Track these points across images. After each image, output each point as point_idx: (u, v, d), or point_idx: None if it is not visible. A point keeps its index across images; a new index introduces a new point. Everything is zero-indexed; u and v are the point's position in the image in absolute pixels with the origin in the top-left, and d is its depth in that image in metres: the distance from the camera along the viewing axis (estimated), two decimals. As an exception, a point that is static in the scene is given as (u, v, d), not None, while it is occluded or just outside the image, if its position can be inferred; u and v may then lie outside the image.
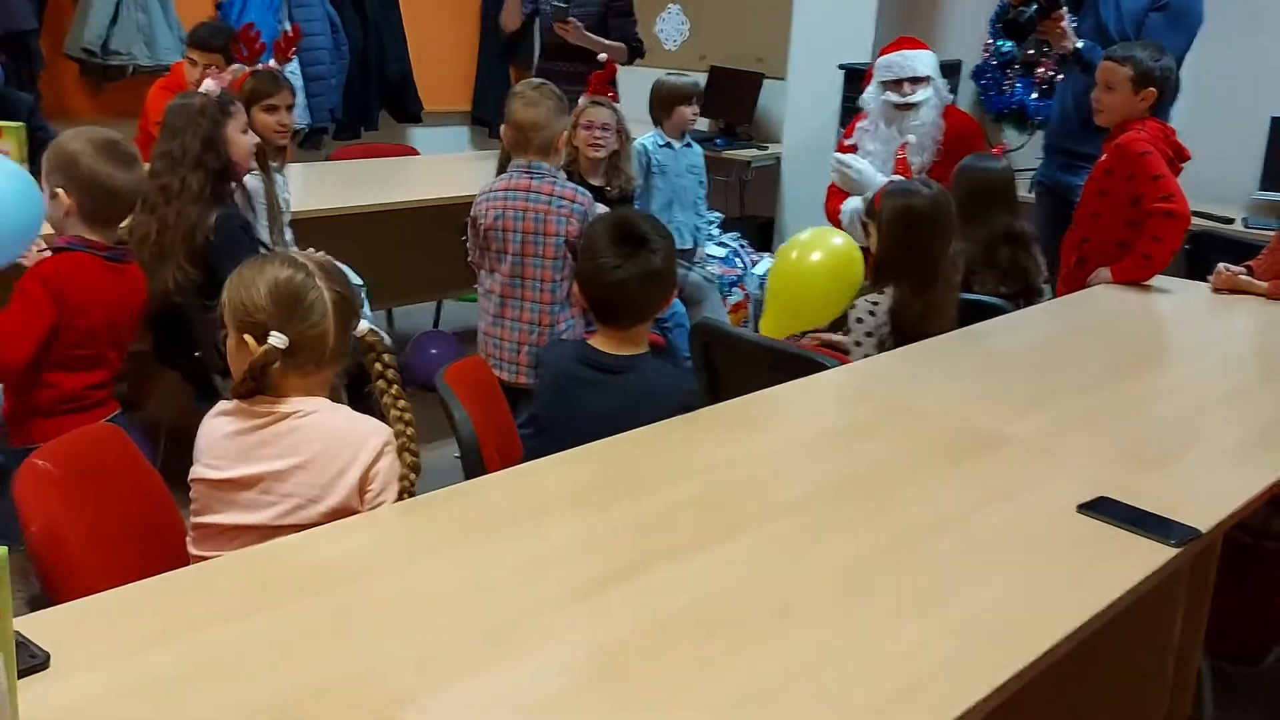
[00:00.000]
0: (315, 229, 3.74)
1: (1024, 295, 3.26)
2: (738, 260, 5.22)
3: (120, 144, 2.46)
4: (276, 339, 1.71)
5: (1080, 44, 3.74)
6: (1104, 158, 3.29)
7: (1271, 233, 3.46)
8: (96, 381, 2.57)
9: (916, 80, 4.15)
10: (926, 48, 4.32)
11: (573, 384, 2.24)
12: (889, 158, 4.20)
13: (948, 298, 2.72)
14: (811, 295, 3.37)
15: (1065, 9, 3.76)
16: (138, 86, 4.80)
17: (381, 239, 4.08)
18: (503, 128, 3.21)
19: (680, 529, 1.67)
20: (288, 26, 5.70)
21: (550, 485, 1.82)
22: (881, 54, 4.35)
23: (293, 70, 5.68)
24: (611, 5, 4.68)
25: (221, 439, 1.77)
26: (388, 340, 1.85)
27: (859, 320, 2.76)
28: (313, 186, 4.36)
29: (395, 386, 1.79)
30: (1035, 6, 3.74)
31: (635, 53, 4.71)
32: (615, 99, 3.94)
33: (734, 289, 5.11)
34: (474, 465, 2.03)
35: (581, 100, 3.85)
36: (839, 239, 3.52)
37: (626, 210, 2.32)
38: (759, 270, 5.10)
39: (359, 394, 3.27)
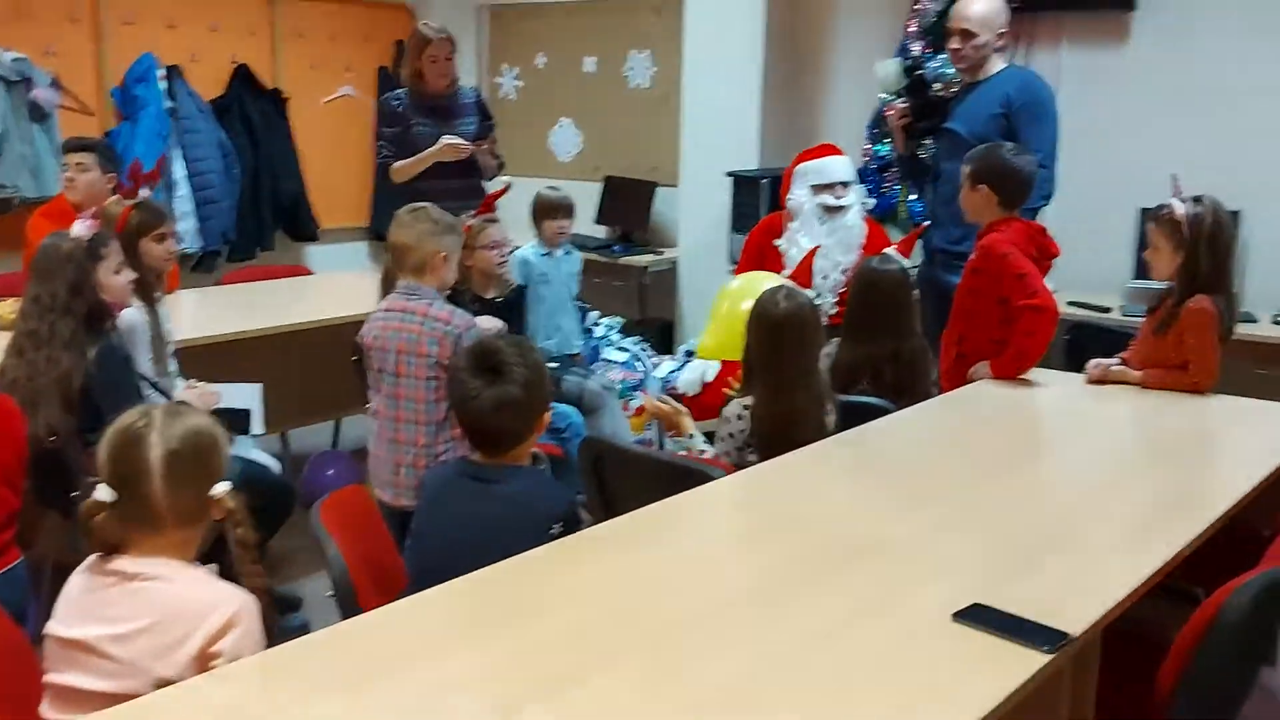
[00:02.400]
0: (206, 356, 3.69)
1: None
2: (639, 365, 5.25)
3: None
4: (102, 492, 1.67)
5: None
6: (973, 257, 3.40)
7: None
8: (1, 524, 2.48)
9: (845, 184, 4.43)
10: (844, 154, 4.58)
11: (447, 491, 2.27)
12: (822, 255, 4.36)
13: (808, 407, 2.74)
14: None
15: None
16: (25, 218, 4.71)
17: (274, 361, 4.04)
18: None
19: (562, 658, 1.64)
20: (178, 152, 5.71)
21: (428, 622, 1.78)
22: (805, 159, 4.57)
23: (183, 195, 5.68)
24: (482, 125, 4.80)
25: (74, 594, 1.71)
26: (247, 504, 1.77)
27: (726, 420, 2.80)
28: (203, 312, 4.32)
29: (253, 552, 1.74)
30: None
31: (501, 168, 4.86)
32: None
33: (636, 393, 5.12)
34: (348, 601, 1.98)
35: (475, 221, 3.90)
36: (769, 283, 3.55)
37: (494, 338, 2.36)
38: (660, 373, 5.15)
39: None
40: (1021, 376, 3.35)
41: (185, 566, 1.73)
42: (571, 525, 2.18)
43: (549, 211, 4.55)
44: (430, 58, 4.58)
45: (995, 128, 3.90)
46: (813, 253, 4.15)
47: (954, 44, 4.06)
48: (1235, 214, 4.10)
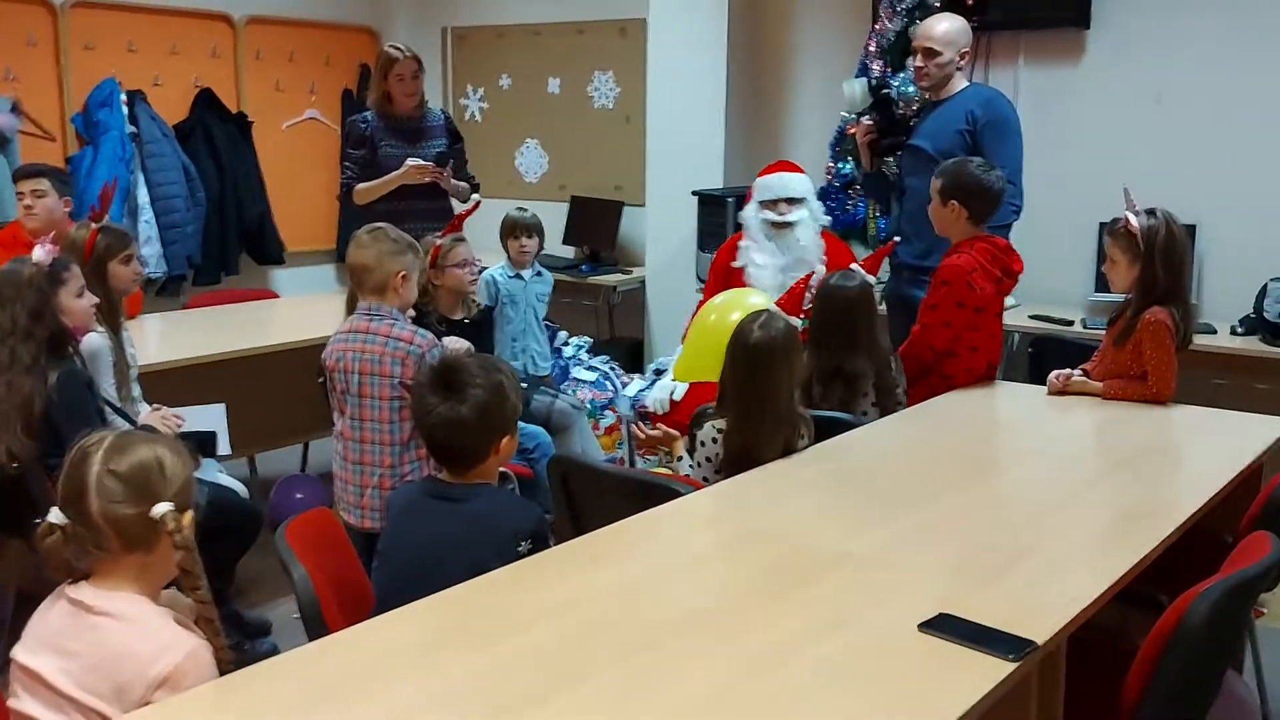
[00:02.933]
0: (172, 380, 3.67)
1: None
2: (608, 384, 5.26)
3: None
4: (54, 514, 1.65)
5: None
6: (937, 273, 3.45)
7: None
8: None
9: (792, 201, 4.42)
10: (802, 171, 4.58)
11: (413, 511, 2.26)
12: (779, 270, 4.38)
13: (775, 435, 2.70)
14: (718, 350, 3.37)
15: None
16: (-19, 243, 4.68)
17: (241, 384, 4.02)
18: None
19: (529, 677, 1.64)
20: (141, 177, 5.68)
21: (394, 641, 1.77)
22: (760, 175, 4.60)
23: (147, 220, 5.65)
24: (452, 148, 4.82)
25: (40, 620, 1.69)
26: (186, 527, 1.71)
27: (702, 444, 2.79)
28: (169, 337, 4.30)
29: (195, 579, 1.70)
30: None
31: (475, 189, 4.88)
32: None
33: (606, 412, 5.13)
34: (315, 623, 1.97)
35: (444, 241, 3.89)
36: (757, 298, 3.55)
37: (462, 356, 2.36)
38: (630, 391, 5.16)
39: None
40: (986, 389, 3.45)
41: (144, 605, 1.69)
42: (540, 542, 2.18)
43: (510, 230, 4.59)
44: (397, 76, 4.60)
45: (960, 144, 3.96)
46: (806, 278, 4.11)
47: (918, 63, 4.11)
48: (1191, 227, 4.20)
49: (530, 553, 2.12)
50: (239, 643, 3.42)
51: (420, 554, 2.14)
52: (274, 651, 3.24)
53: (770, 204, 4.44)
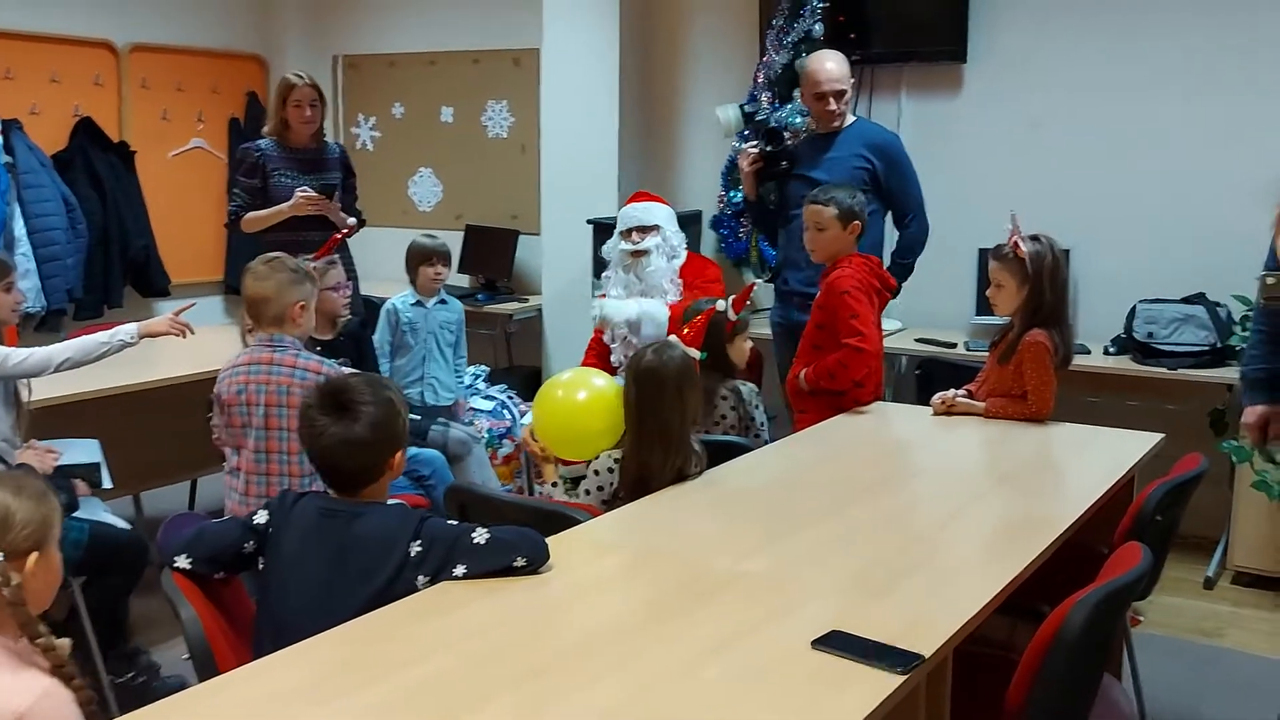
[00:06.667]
0: (52, 417, 3.55)
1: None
2: (506, 413, 5.25)
3: None
4: None
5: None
6: (820, 294, 3.55)
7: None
8: None
9: (645, 229, 4.48)
10: (661, 200, 4.67)
11: (300, 522, 2.15)
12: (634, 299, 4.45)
13: (670, 462, 2.72)
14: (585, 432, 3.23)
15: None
16: None
17: (126, 421, 3.91)
18: None
19: (426, 707, 1.63)
20: (18, 209, 5.50)
21: (288, 678, 1.74)
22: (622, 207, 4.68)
23: (24, 252, 5.47)
24: (345, 183, 4.79)
25: None
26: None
27: (595, 473, 2.81)
28: (47, 371, 4.15)
29: (33, 628, 1.63)
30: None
31: (361, 225, 4.85)
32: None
33: (504, 440, 5.12)
34: (205, 665, 1.93)
35: (318, 264, 3.84)
36: (600, 379, 3.54)
37: (349, 376, 2.32)
38: (527, 420, 5.14)
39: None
40: (873, 411, 3.52)
41: None
42: (430, 536, 2.11)
43: (424, 258, 4.55)
44: (295, 103, 4.56)
45: (861, 177, 4.10)
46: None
47: (830, 106, 4.21)
48: (1066, 252, 4.37)
49: (424, 552, 2.07)
50: (146, 680, 3.31)
51: (309, 567, 2.08)
52: (182, 686, 3.16)
53: (626, 234, 4.51)
